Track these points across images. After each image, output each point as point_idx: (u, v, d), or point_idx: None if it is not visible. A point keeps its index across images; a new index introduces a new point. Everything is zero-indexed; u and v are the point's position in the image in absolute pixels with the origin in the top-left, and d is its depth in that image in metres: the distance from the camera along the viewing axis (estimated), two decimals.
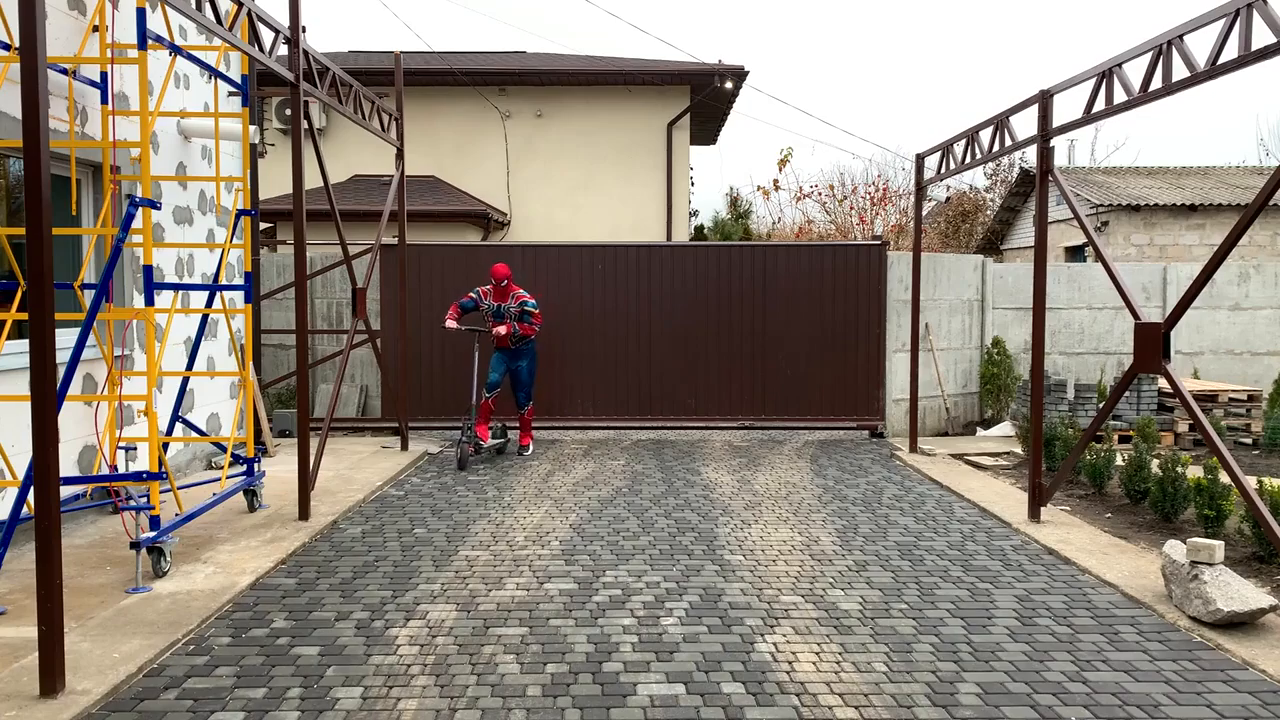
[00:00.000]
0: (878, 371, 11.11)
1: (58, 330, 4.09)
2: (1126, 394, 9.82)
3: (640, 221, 17.40)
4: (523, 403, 9.98)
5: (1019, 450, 9.88)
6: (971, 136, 8.72)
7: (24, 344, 5.81)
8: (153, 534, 5.41)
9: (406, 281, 10.40)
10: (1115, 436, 9.71)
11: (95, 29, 6.59)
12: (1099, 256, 6.77)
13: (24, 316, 5.48)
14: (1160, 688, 4.13)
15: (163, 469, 5.71)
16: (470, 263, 11.10)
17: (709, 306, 11.09)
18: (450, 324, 9.52)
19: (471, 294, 9.80)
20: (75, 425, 6.50)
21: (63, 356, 5.54)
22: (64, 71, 6.24)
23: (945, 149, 9.47)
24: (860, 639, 4.68)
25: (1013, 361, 11.83)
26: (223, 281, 7.33)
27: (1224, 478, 6.58)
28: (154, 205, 5.95)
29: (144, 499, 5.78)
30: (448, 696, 4.00)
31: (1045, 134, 7.17)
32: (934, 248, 27.78)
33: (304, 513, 6.91)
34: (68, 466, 6.36)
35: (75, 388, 6.33)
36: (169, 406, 7.44)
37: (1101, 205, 19.93)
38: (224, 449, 7.67)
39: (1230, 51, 5.13)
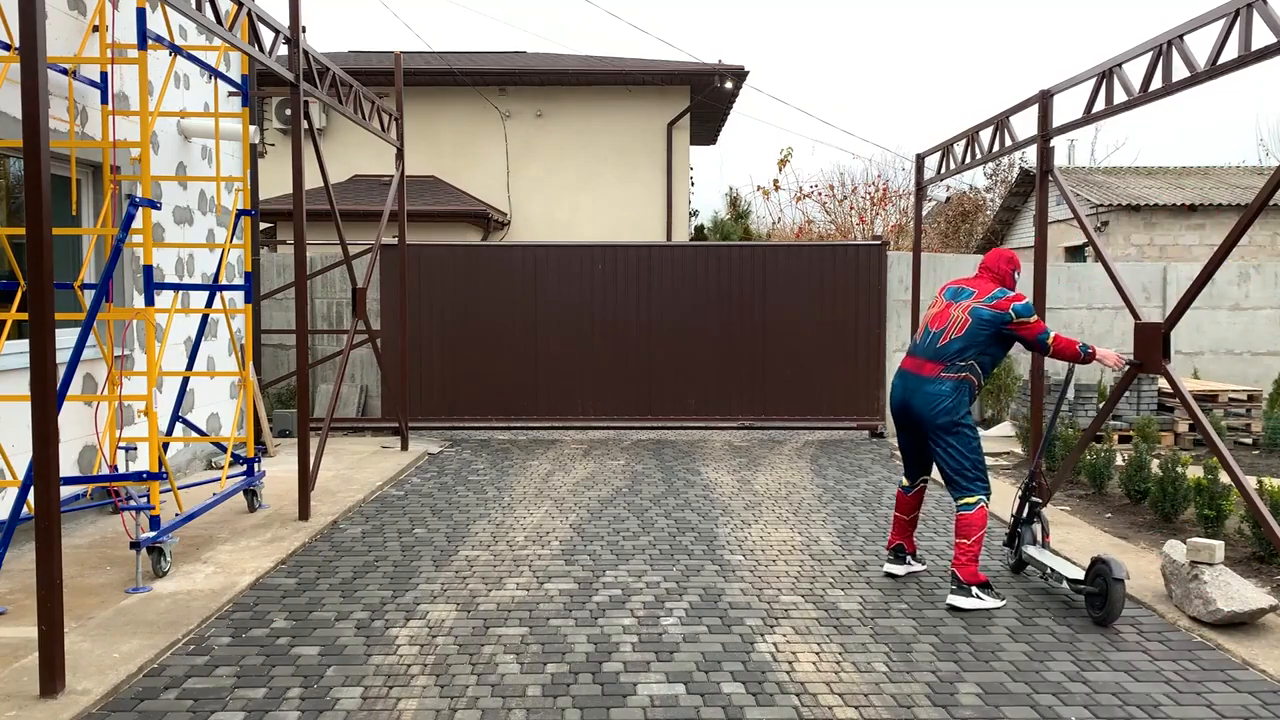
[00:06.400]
0: (878, 371, 11.10)
1: (58, 330, 4.09)
2: (1126, 394, 9.82)
3: (640, 221, 17.40)
4: None
5: (1019, 450, 9.87)
6: (971, 136, 8.72)
7: (24, 344, 5.81)
8: (153, 534, 5.41)
9: (407, 281, 10.40)
10: (1115, 436, 9.71)
11: (95, 29, 6.59)
12: (1099, 256, 6.77)
13: (24, 316, 5.48)
14: (1160, 688, 4.13)
15: (163, 469, 5.71)
16: (470, 263, 11.10)
17: (709, 306, 11.09)
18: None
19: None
20: (75, 425, 6.50)
21: (63, 356, 5.54)
22: (64, 71, 6.24)
23: (945, 149, 9.47)
24: (860, 639, 4.68)
25: (1012, 361, 11.82)
26: (223, 281, 7.33)
27: (1224, 478, 6.57)
28: (154, 205, 5.95)
29: (144, 499, 5.78)
30: (448, 696, 4.00)
31: (1045, 134, 7.17)
32: (934, 248, 27.77)
33: (304, 513, 6.91)
34: (68, 466, 6.36)
35: (75, 388, 6.33)
36: (169, 406, 7.44)
37: (1101, 205, 19.93)
38: (224, 449, 7.67)
39: (1230, 51, 5.13)
